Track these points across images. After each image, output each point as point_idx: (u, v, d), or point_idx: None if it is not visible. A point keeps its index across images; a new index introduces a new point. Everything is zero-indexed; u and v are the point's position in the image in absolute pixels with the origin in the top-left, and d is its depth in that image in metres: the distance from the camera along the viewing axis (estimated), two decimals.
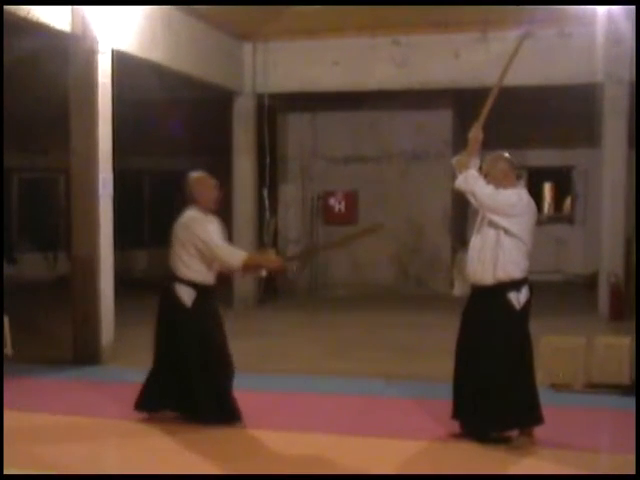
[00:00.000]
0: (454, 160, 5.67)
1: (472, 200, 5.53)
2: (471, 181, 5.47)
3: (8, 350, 8.66)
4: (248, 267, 6.12)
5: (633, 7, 9.47)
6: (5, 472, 4.87)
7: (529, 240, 5.49)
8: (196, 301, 5.98)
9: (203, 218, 6.02)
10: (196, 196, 6.10)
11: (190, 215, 6.03)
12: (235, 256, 5.97)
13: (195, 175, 6.25)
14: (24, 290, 14.69)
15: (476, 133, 5.59)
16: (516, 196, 5.46)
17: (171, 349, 6.03)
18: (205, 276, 6.03)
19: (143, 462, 5.32)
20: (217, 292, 6.24)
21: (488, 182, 5.51)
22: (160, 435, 5.84)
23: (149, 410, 6.18)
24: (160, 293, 6.14)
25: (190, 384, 5.96)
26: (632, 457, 4.99)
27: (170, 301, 6.01)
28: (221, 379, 6.04)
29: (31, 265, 16.39)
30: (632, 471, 4.84)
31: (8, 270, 15.81)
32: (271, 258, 6.46)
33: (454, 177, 5.66)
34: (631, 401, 6.46)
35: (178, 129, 14.71)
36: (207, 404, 5.96)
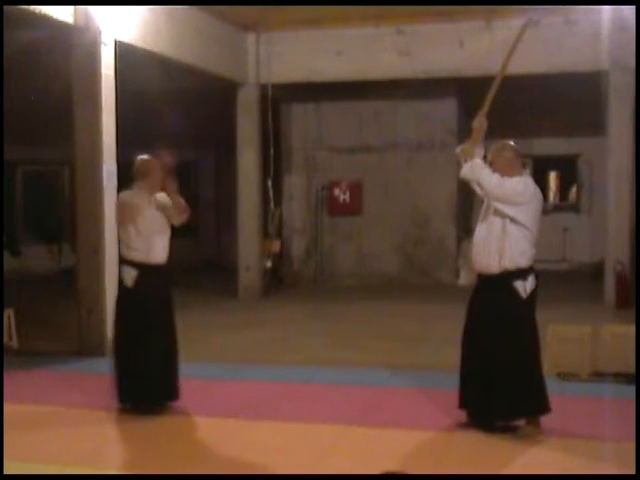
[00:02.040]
0: (458, 149, 5.65)
1: (478, 189, 5.50)
2: (477, 170, 5.44)
3: (14, 343, 8.69)
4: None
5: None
6: (8, 465, 4.87)
7: (535, 228, 5.47)
8: (138, 281, 5.99)
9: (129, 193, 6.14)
10: (144, 178, 6.17)
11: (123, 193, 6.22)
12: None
13: (141, 158, 6.31)
14: (29, 282, 14.73)
15: (480, 122, 5.56)
16: (522, 184, 5.44)
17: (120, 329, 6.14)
18: (146, 255, 6.02)
19: (147, 455, 5.31)
20: (166, 272, 6.20)
21: (493, 171, 5.48)
22: (164, 426, 5.84)
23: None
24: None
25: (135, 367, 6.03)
26: None
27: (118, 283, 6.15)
28: (167, 363, 6.07)
29: (36, 257, 16.42)
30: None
31: (13, 262, 15.85)
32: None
33: (459, 166, 5.64)
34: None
35: (181, 120, 14.69)
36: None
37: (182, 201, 6.15)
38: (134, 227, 5.98)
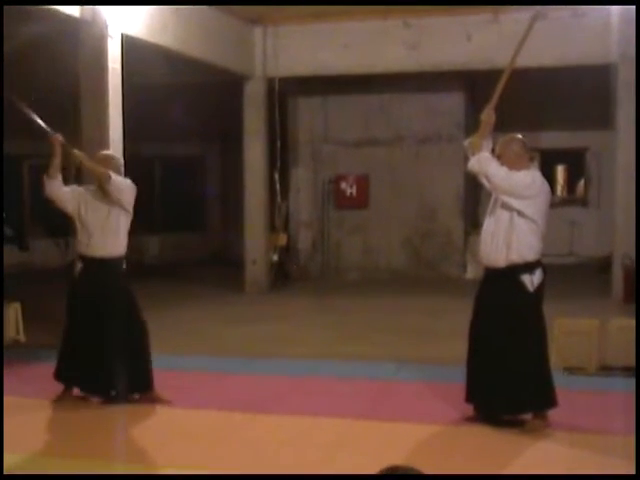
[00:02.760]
0: (466, 142, 5.63)
1: (485, 182, 5.48)
2: (484, 163, 5.42)
3: (20, 336, 8.70)
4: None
5: None
6: (12, 458, 4.88)
7: (543, 222, 5.45)
8: (82, 272, 6.16)
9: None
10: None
11: None
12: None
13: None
14: (36, 276, 14.76)
15: (488, 115, 5.53)
16: (530, 177, 5.41)
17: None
18: (86, 248, 6.13)
19: (152, 449, 5.31)
20: (113, 265, 6.22)
21: (501, 164, 5.46)
22: (169, 419, 5.85)
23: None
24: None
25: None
26: None
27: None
28: (95, 349, 6.13)
29: (43, 251, 16.45)
30: None
31: (20, 257, 15.88)
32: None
33: (466, 160, 5.62)
34: None
35: (188, 114, 14.70)
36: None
37: (94, 165, 6.21)
38: (78, 221, 6.20)
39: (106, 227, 6.13)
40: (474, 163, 5.48)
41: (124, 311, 6.17)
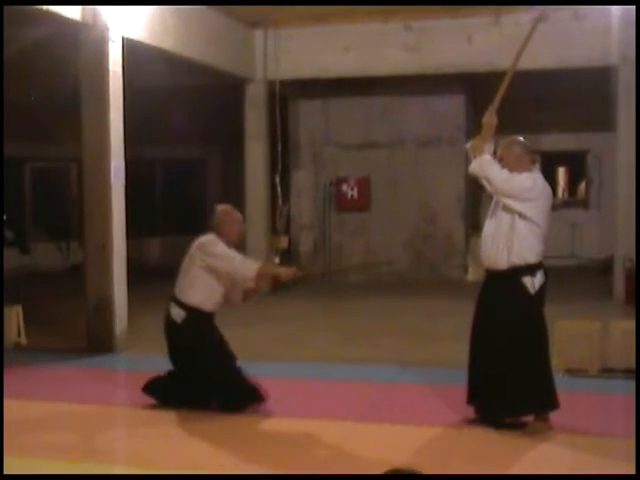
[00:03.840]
0: (468, 145, 5.63)
1: (486, 185, 5.48)
2: (486, 166, 5.42)
3: (22, 339, 8.71)
4: (262, 276, 6.09)
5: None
6: (16, 461, 4.88)
7: (544, 224, 5.44)
8: (186, 320, 5.99)
9: (218, 241, 5.99)
10: (220, 229, 6.07)
11: (209, 237, 6.03)
12: (249, 265, 5.95)
13: (222, 208, 6.22)
14: (37, 279, 14.77)
15: (490, 118, 5.53)
16: (531, 180, 5.41)
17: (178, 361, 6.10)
18: (201, 302, 6.01)
19: (155, 451, 5.31)
20: (212, 318, 6.20)
21: (502, 167, 5.46)
22: (174, 422, 5.84)
23: (154, 397, 6.21)
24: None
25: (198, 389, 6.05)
26: None
27: (166, 318, 6.09)
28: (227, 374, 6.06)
29: (44, 254, 16.45)
30: None
31: (22, 259, 15.90)
32: (283, 270, 6.38)
33: (467, 162, 5.62)
34: None
35: (189, 117, 14.71)
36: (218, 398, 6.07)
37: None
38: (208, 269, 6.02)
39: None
40: (475, 166, 5.48)
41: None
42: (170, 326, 6.05)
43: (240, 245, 6.23)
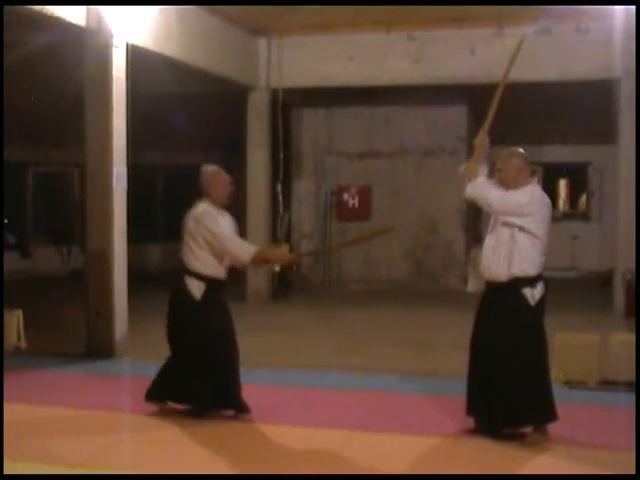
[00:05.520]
0: (462, 168, 5.61)
1: (484, 207, 5.51)
2: (480, 188, 5.45)
3: (22, 343, 8.71)
4: (257, 261, 6.08)
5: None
6: (16, 466, 4.88)
7: (544, 236, 5.45)
8: (205, 294, 5.94)
9: (214, 212, 5.99)
10: (209, 190, 6.07)
11: (202, 208, 6.00)
12: (245, 250, 5.93)
13: (210, 169, 6.22)
14: (38, 284, 14.77)
15: (481, 139, 5.53)
16: (528, 195, 5.40)
17: (181, 342, 6.02)
18: (215, 270, 5.98)
19: (153, 457, 5.31)
20: (227, 286, 6.19)
21: (502, 178, 5.47)
22: (172, 429, 5.83)
23: (156, 400, 6.16)
24: (172, 286, 6.11)
25: (195, 376, 5.94)
26: None
27: (180, 294, 5.99)
28: (228, 373, 6.01)
29: (45, 259, 16.46)
30: None
31: (23, 264, 15.91)
32: (279, 252, 6.36)
33: (463, 186, 5.58)
34: None
35: (191, 124, 14.73)
36: (209, 397, 5.97)
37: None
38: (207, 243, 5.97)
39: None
40: (470, 190, 5.50)
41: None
42: (184, 302, 5.93)
43: (230, 205, 6.18)
